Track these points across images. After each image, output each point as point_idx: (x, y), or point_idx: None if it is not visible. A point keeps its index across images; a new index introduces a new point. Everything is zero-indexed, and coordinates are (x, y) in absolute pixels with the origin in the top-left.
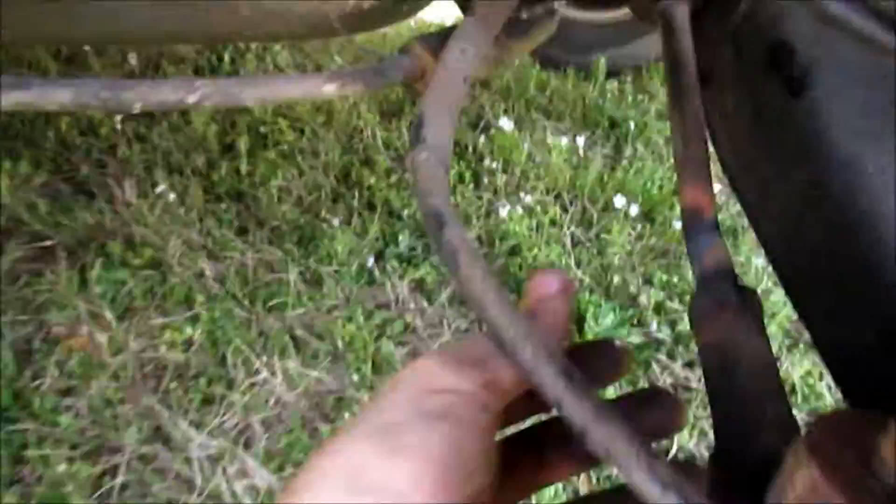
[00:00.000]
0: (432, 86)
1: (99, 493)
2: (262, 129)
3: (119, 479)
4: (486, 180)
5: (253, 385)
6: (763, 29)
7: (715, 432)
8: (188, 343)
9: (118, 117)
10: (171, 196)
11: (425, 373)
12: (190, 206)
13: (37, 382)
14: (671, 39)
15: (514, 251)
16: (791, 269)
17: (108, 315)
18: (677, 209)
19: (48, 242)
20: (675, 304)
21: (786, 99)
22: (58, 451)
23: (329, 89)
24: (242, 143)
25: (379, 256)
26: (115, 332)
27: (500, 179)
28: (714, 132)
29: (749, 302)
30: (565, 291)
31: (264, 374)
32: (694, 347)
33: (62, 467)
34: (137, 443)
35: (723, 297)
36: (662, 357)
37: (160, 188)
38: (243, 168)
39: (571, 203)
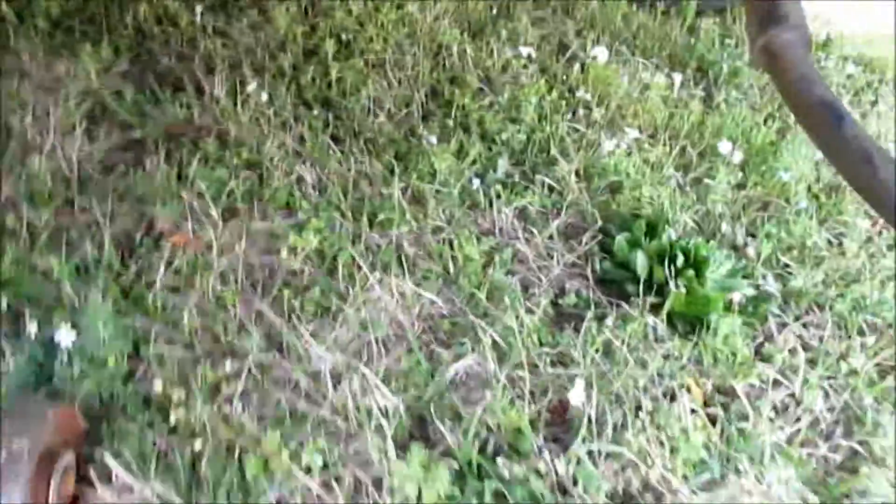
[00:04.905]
0: None
1: (219, 398)
2: (344, 37)
3: (240, 387)
4: (580, 112)
5: (366, 301)
6: None
7: None
8: (293, 250)
9: (198, 9)
10: (263, 96)
11: None
12: (280, 109)
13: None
14: None
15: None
16: None
17: (214, 213)
18: (779, 161)
19: (138, 133)
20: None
21: None
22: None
23: None
24: (329, 48)
25: (481, 179)
26: (220, 233)
27: (597, 113)
28: None
29: None
30: None
31: (378, 290)
32: (806, 304)
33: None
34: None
35: None
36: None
37: (251, 87)
38: (332, 75)
39: (670, 144)
